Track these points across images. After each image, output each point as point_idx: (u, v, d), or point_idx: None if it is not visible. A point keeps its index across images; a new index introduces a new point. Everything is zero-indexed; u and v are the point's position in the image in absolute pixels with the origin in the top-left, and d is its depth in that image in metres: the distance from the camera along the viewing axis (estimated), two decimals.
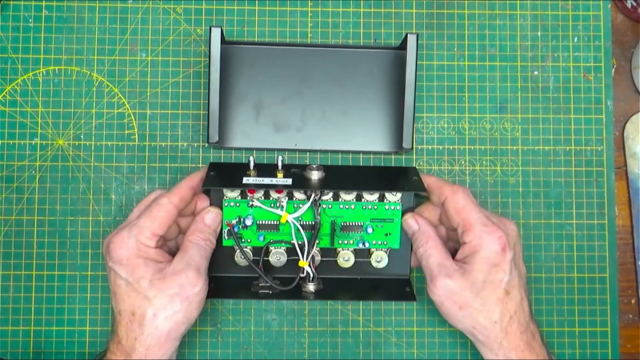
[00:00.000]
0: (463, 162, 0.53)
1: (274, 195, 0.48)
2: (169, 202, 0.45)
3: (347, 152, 0.53)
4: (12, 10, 0.53)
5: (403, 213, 0.49)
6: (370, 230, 0.49)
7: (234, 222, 0.48)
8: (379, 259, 0.50)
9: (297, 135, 0.52)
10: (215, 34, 0.48)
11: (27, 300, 0.51)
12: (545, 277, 0.53)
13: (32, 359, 0.51)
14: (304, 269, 0.48)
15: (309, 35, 0.54)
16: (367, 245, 0.49)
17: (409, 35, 0.49)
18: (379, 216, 0.49)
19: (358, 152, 0.53)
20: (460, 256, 0.46)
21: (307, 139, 0.52)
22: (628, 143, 0.54)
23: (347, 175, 0.50)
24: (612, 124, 0.54)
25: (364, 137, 0.52)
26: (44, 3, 0.53)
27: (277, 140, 0.52)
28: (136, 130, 0.53)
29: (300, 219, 0.48)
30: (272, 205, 0.48)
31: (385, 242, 0.50)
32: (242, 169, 0.49)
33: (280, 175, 0.48)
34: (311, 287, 0.49)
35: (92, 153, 0.52)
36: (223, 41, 0.49)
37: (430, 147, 0.53)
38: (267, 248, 0.49)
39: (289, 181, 0.47)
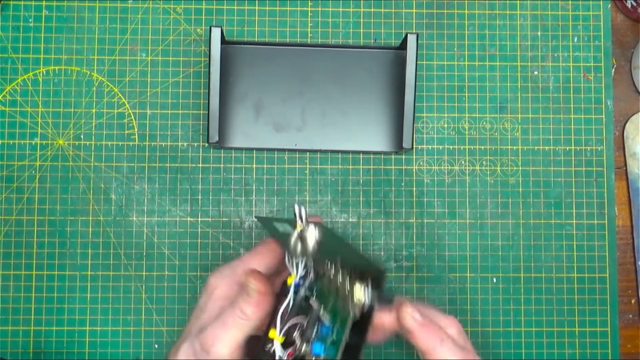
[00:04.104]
0: (463, 162, 0.53)
1: None
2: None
3: (347, 152, 0.53)
4: (12, 10, 0.53)
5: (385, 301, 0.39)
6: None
7: None
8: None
9: (297, 135, 0.52)
10: (215, 34, 0.48)
11: (27, 300, 0.51)
12: (545, 277, 0.53)
13: (32, 359, 0.51)
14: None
15: (309, 35, 0.54)
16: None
17: (409, 35, 0.49)
18: None
19: (358, 152, 0.53)
20: None
21: (307, 139, 0.52)
22: (628, 143, 0.54)
23: None
24: (612, 124, 0.54)
25: (364, 137, 0.52)
26: (44, 3, 0.53)
27: (277, 140, 0.52)
28: (136, 130, 0.53)
29: None
30: None
31: None
32: None
33: None
34: None
35: (92, 153, 0.52)
36: (223, 41, 0.49)
37: (430, 147, 0.53)
38: None
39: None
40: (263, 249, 0.43)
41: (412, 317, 0.39)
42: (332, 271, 0.38)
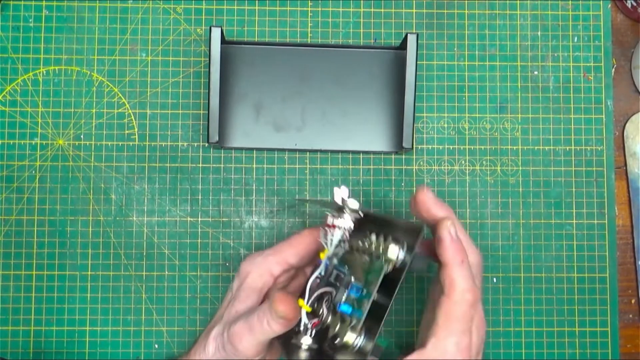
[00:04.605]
0: (463, 162, 0.53)
1: None
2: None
3: (347, 152, 0.53)
4: (12, 10, 0.53)
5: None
6: None
7: None
8: None
9: (297, 135, 0.52)
10: (215, 34, 0.48)
11: (27, 300, 0.51)
12: (545, 277, 0.53)
13: (32, 359, 0.51)
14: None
15: (309, 35, 0.54)
16: None
17: (409, 35, 0.49)
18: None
19: (358, 152, 0.53)
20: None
21: (307, 139, 0.52)
22: (628, 143, 0.54)
23: None
24: (612, 124, 0.54)
25: (364, 137, 0.52)
26: (44, 3, 0.53)
27: (277, 140, 0.52)
28: (136, 130, 0.53)
29: None
30: None
31: None
32: None
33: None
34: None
35: (92, 153, 0.52)
36: (223, 41, 0.49)
37: (430, 147, 0.53)
38: None
39: None
40: (296, 240, 0.44)
41: (449, 230, 0.40)
42: (368, 239, 0.39)
